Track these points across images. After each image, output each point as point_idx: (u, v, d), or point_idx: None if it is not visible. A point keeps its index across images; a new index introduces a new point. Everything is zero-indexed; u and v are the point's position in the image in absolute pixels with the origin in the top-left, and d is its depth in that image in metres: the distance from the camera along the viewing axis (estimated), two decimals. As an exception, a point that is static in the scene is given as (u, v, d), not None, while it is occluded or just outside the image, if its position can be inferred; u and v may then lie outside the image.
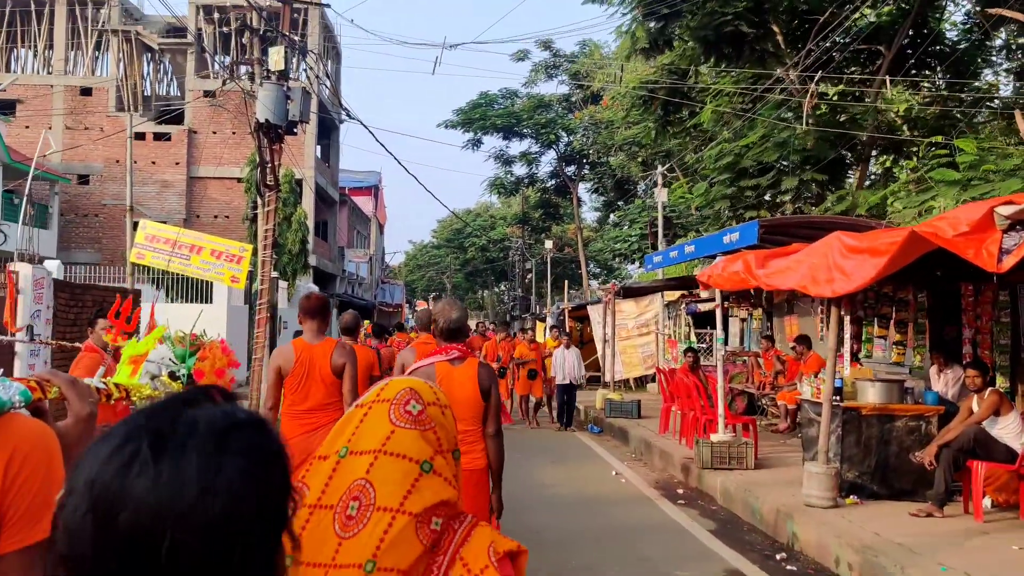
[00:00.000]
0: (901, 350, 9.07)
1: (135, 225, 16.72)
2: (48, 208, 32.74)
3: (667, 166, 21.92)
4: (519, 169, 40.79)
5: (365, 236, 54.93)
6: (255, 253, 15.42)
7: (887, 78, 15.95)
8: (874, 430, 7.85)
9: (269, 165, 15.13)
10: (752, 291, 10.62)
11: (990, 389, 7.18)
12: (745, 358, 15.60)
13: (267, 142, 14.77)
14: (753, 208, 17.84)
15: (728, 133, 17.37)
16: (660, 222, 21.19)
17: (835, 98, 17.41)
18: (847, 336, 9.71)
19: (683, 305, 15.80)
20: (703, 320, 15.07)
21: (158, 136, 35.23)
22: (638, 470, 11.20)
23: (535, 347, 14.98)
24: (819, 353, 12.83)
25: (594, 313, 21.83)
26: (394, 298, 58.73)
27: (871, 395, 7.93)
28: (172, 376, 8.45)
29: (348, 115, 20.42)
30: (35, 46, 36.53)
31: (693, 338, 14.67)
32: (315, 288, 35.32)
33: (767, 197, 18.05)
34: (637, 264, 30.63)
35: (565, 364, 14.44)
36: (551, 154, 39.89)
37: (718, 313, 10.07)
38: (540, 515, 8.35)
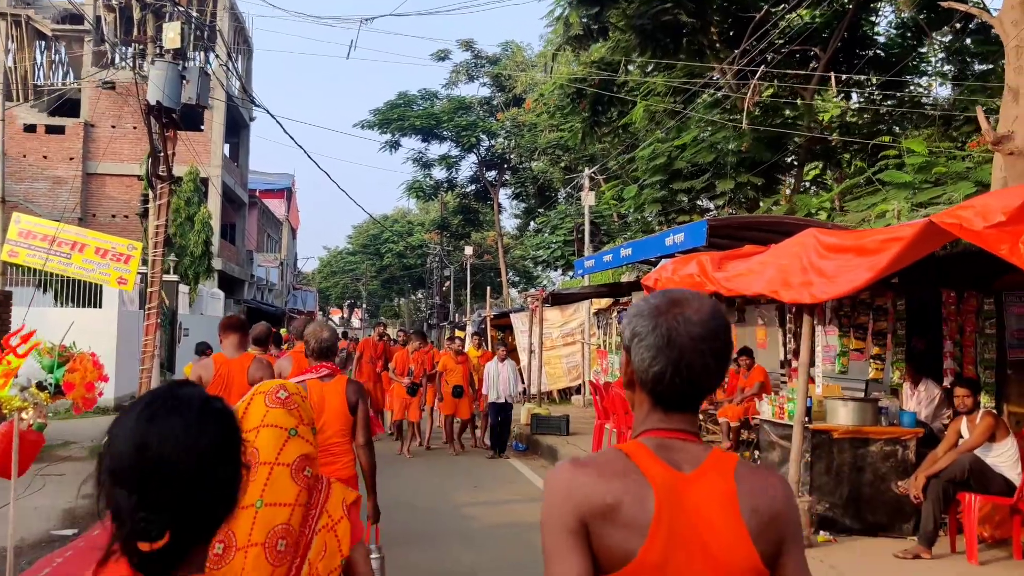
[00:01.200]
0: (879, 364, 8.20)
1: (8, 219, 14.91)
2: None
3: (595, 168, 21.03)
4: (439, 173, 39.54)
5: (276, 240, 52.80)
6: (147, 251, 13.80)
7: (821, 85, 15.36)
8: (846, 456, 6.92)
9: (162, 154, 13.59)
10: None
11: (983, 410, 6.31)
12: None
13: (159, 128, 13.24)
14: (685, 213, 17.07)
15: (660, 133, 16.55)
16: (587, 227, 20.28)
17: (768, 100, 16.79)
18: (820, 348, 8.81)
19: (615, 313, 14.88)
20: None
21: (51, 129, 32.77)
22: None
23: (461, 359, 12.99)
24: (763, 366, 11.99)
25: (518, 321, 20.77)
26: (307, 305, 56.63)
27: (843, 416, 7.00)
28: (39, 387, 6.96)
29: (256, 104, 18.94)
30: (-87, 28, 33.67)
31: (625, 349, 13.87)
32: (219, 293, 33.36)
33: (699, 202, 17.31)
34: (560, 271, 29.74)
35: (499, 379, 12.73)
36: (471, 158, 38.79)
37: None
38: (460, 548, 7.19)
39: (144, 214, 12.94)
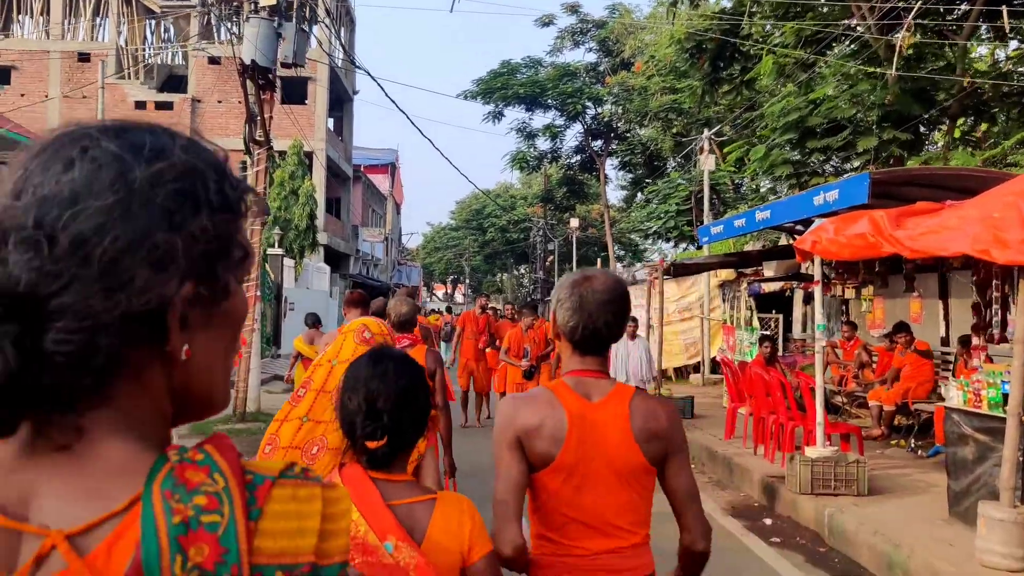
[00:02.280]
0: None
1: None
2: (42, 181, 30.76)
3: (715, 130, 19.50)
4: (543, 144, 38.32)
5: (381, 215, 52.77)
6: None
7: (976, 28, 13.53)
8: (1071, 456, 5.55)
9: (258, 117, 12.93)
10: (864, 264, 8.32)
11: None
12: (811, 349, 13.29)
13: (255, 90, 12.57)
14: (818, 176, 15.51)
15: (793, 86, 14.99)
16: (707, 193, 18.83)
17: (913, 50, 14.99)
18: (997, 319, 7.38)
19: (744, 286, 13.53)
20: (767, 303, 12.76)
21: (160, 105, 33.08)
22: (705, 489, 8.94)
23: None
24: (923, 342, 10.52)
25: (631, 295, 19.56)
26: (411, 280, 56.56)
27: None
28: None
29: (357, 67, 18.26)
30: (32, 11, 34.49)
31: (756, 323, 12.37)
32: (325, 267, 33.20)
33: (832, 163, 15.72)
34: (672, 243, 28.18)
35: (629, 361, 10.81)
36: (577, 128, 37.44)
37: (817, 293, 7.74)
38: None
39: (243, 182, 12.20)
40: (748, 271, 13.74)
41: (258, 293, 12.56)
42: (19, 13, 34.92)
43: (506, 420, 2.12)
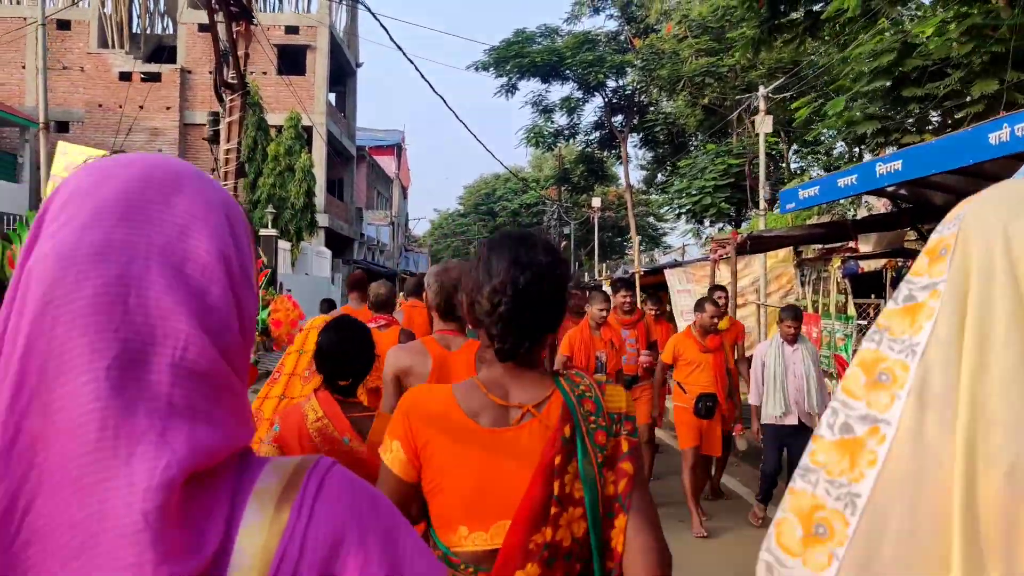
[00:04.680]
0: None
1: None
2: (17, 158, 28.25)
3: (774, 86, 16.86)
4: (560, 119, 35.61)
5: (387, 198, 50.24)
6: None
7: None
8: None
9: (230, 56, 10.37)
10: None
11: None
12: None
13: (224, 16, 9.98)
14: (913, 133, 12.89)
15: (885, 21, 12.36)
16: (762, 159, 16.23)
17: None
18: None
19: (838, 264, 10.92)
20: (863, 285, 10.20)
21: (147, 77, 30.55)
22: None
23: (712, 340, 7.05)
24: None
25: (673, 279, 16.99)
26: (419, 267, 54.02)
27: None
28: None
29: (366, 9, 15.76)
30: (8, -25, 31.94)
31: (852, 311, 9.82)
32: (326, 251, 30.70)
33: (933, 117, 13.11)
34: (708, 223, 25.57)
35: (788, 377, 6.65)
36: (595, 102, 34.75)
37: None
38: None
39: (214, 138, 9.70)
40: (839, 246, 11.17)
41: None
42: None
43: (391, 363, 3.03)
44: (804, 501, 1.02)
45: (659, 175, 37.18)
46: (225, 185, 10.05)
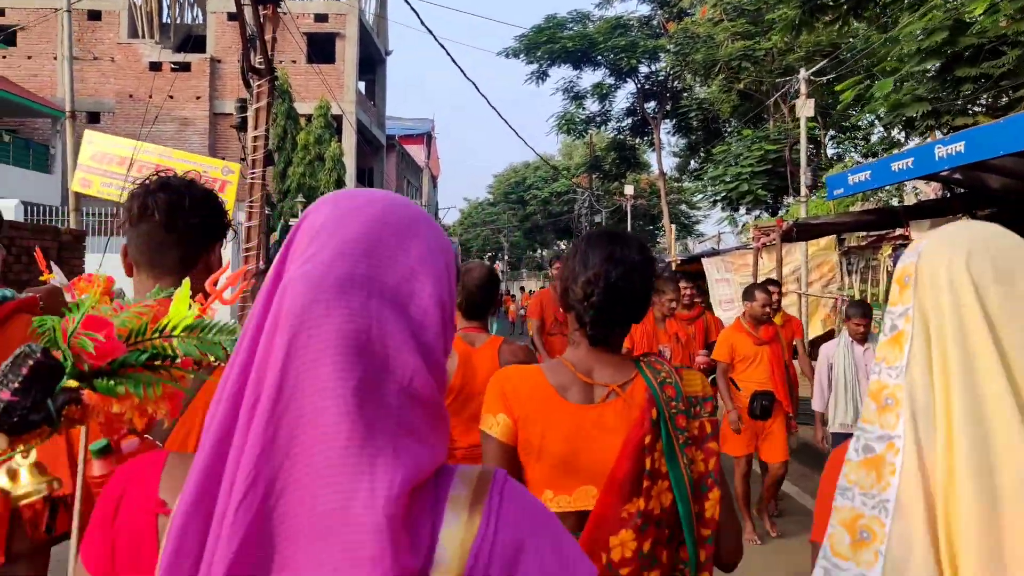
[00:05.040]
0: None
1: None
2: (50, 149, 28.33)
3: (816, 68, 16.31)
4: (591, 105, 35.10)
5: (416, 188, 50.05)
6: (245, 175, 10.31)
7: None
8: None
9: (257, 40, 10.10)
10: None
11: None
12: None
13: (251, 2, 9.71)
14: (965, 115, 12.33)
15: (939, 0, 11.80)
16: (803, 144, 15.69)
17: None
18: None
19: (888, 252, 10.42)
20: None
21: (176, 67, 30.47)
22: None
23: (767, 332, 6.28)
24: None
25: (711, 268, 16.54)
26: (448, 256, 53.84)
27: None
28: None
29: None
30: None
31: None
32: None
33: (983, 98, 12.55)
34: (745, 210, 25.00)
35: (857, 378, 6.01)
36: (628, 88, 34.21)
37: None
38: None
39: (242, 125, 9.43)
40: (887, 233, 10.70)
41: (260, 266, 9.76)
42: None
43: None
44: (847, 514, 1.25)
45: (692, 162, 36.59)
46: (253, 173, 9.80)
